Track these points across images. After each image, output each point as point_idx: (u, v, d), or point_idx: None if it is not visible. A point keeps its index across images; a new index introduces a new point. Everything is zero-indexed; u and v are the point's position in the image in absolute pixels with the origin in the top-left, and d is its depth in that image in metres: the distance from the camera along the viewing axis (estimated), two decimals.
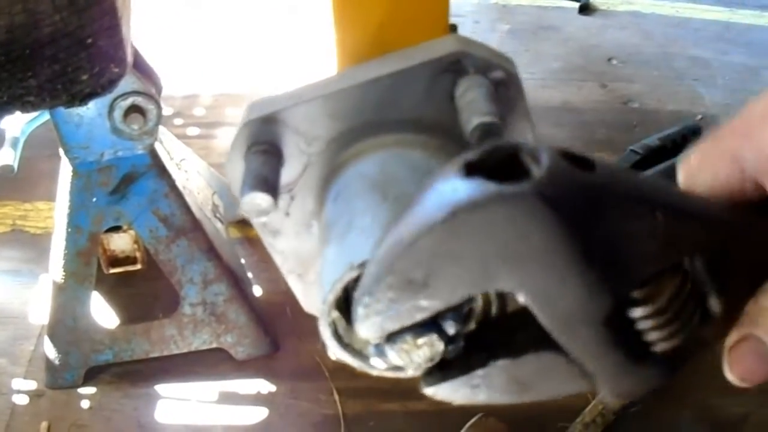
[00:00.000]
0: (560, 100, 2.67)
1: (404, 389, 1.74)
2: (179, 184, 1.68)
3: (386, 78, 0.85)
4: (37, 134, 1.94)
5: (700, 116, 2.52)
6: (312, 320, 1.83)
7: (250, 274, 1.91)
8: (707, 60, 2.95)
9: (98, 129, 1.55)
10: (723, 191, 0.57)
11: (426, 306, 0.59)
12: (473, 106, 0.83)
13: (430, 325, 0.64)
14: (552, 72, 2.85)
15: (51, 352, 1.78)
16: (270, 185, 0.84)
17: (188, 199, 1.69)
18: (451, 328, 0.65)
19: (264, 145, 0.89)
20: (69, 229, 1.65)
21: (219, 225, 1.87)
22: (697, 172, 0.59)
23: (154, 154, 1.62)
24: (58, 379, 1.82)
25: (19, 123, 1.88)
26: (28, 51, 1.14)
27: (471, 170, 0.54)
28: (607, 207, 0.52)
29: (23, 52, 1.14)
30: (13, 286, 2.04)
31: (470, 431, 1.60)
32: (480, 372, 0.63)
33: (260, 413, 1.75)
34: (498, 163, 0.54)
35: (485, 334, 0.67)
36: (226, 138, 2.47)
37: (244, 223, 2.12)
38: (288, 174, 0.90)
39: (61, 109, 1.51)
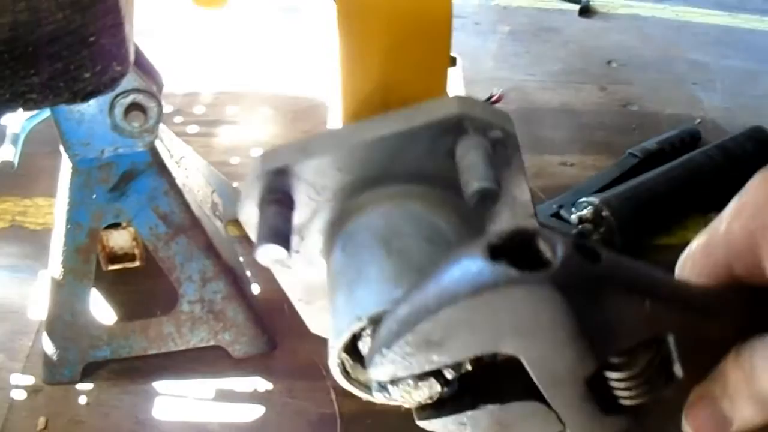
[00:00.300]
0: (559, 102, 2.68)
1: None
2: (179, 181, 1.69)
3: (391, 137, 0.91)
4: (37, 131, 1.95)
5: (698, 120, 2.52)
6: None
7: (248, 273, 1.91)
8: (707, 64, 2.96)
9: (99, 126, 1.55)
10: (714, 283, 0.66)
11: (436, 361, 0.67)
12: (472, 170, 0.88)
13: (432, 371, 0.71)
14: (551, 74, 2.86)
15: (49, 347, 1.79)
16: (283, 237, 0.89)
17: (188, 197, 1.70)
18: (449, 374, 0.72)
19: (276, 193, 0.93)
20: (68, 226, 1.66)
21: (218, 223, 1.88)
22: (693, 273, 0.68)
23: (154, 152, 1.63)
24: (56, 375, 1.82)
25: (19, 120, 1.89)
26: (30, 48, 1.15)
27: (494, 252, 0.63)
28: (606, 295, 0.62)
29: (26, 50, 1.15)
30: (11, 282, 2.05)
31: None
32: (469, 413, 0.72)
33: (257, 411, 1.75)
34: (518, 246, 0.63)
35: (477, 378, 0.74)
36: (226, 136, 2.49)
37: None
38: (299, 217, 0.95)
39: (62, 106, 1.51)
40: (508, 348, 0.65)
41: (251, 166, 0.95)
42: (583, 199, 2.00)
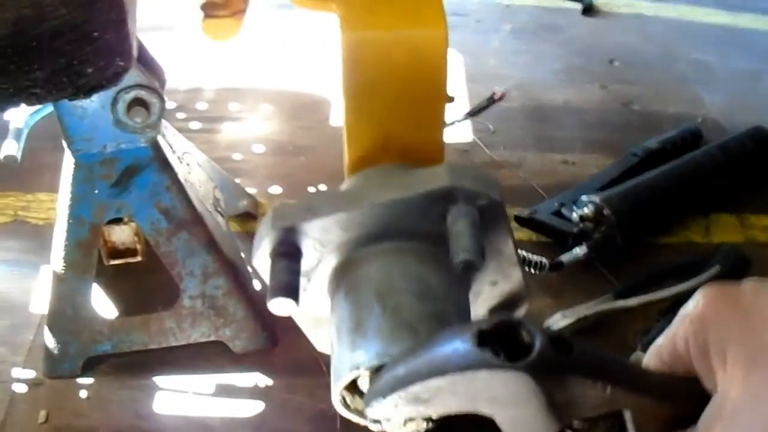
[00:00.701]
0: (561, 101, 2.68)
1: None
2: (181, 177, 1.69)
3: (389, 203, 1.05)
4: (40, 126, 1.95)
5: (700, 119, 2.53)
6: None
7: (249, 269, 1.91)
8: (709, 63, 2.96)
9: (101, 121, 1.56)
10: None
11: (422, 412, 0.82)
12: (459, 240, 1.01)
13: None
14: (553, 72, 2.86)
15: (50, 341, 1.79)
16: (292, 290, 1.03)
17: (190, 192, 1.70)
18: (434, 415, 0.86)
19: (285, 246, 1.07)
20: (70, 221, 1.66)
21: (220, 219, 1.88)
22: (656, 366, 0.83)
23: (156, 147, 1.63)
24: (57, 369, 1.82)
25: (22, 115, 1.89)
26: (34, 44, 1.16)
27: (482, 336, 0.77)
28: (573, 381, 0.76)
29: (30, 45, 1.15)
30: (13, 276, 2.06)
31: None
32: None
33: (257, 407, 1.75)
34: (503, 332, 0.78)
35: (456, 422, 0.87)
36: (228, 132, 2.49)
37: (244, 217, 2.14)
38: (306, 264, 1.08)
39: (65, 102, 1.51)
40: (484, 410, 0.78)
41: (263, 221, 1.11)
42: (585, 198, 1.99)
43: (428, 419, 0.89)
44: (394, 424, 0.88)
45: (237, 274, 1.78)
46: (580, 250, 1.94)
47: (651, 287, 1.84)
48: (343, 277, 1.11)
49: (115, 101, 1.53)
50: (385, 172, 1.27)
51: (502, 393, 0.75)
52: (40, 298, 1.92)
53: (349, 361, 0.99)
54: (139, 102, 1.54)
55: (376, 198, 1.07)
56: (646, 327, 1.78)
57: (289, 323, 1.80)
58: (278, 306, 1.03)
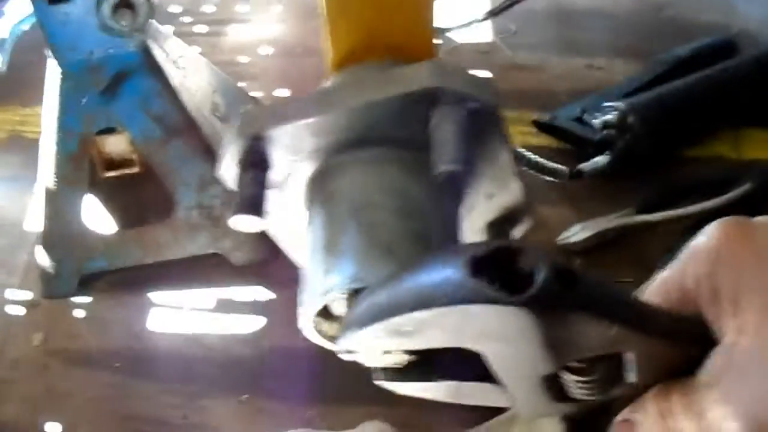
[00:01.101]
0: (589, 3, 2.56)
1: None
2: (175, 82, 1.63)
3: (364, 106, 0.95)
4: (36, 38, 1.88)
5: (735, 30, 2.40)
6: None
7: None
8: None
9: (86, 27, 1.50)
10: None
11: (406, 346, 0.74)
12: (441, 148, 0.92)
13: None
14: None
15: (44, 260, 1.75)
16: (257, 206, 0.97)
17: (184, 98, 1.64)
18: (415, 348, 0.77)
19: (254, 155, 1.00)
20: (59, 133, 1.61)
21: (218, 125, 1.81)
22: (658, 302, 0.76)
23: (146, 52, 1.57)
24: (53, 289, 1.78)
25: (6, 25, 1.84)
26: None
27: (476, 264, 0.67)
28: (575, 318, 0.67)
29: None
30: (10, 193, 2.01)
31: None
32: (427, 384, 0.81)
33: (257, 322, 1.70)
34: (500, 260, 0.68)
35: (440, 354, 0.77)
36: (235, 35, 2.43)
37: None
38: (276, 175, 1.02)
39: (47, 8, 1.46)
40: (473, 346, 0.72)
41: (230, 128, 1.04)
42: (609, 104, 1.89)
43: (408, 351, 0.79)
44: (370, 355, 0.80)
45: None
46: (601, 159, 1.83)
47: (676, 202, 1.75)
48: (317, 189, 1.05)
49: (99, 4, 1.47)
50: (366, 72, 1.18)
51: (495, 329, 0.68)
52: (35, 216, 1.86)
53: (321, 284, 0.93)
54: (124, 4, 1.48)
55: (350, 100, 0.99)
56: (670, 244, 1.69)
57: None
58: (241, 222, 0.97)
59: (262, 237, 1.71)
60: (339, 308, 0.94)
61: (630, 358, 0.72)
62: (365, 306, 0.77)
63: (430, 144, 0.94)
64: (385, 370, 0.82)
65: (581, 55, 2.32)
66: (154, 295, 1.77)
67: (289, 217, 1.11)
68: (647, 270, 1.63)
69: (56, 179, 1.65)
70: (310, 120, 0.98)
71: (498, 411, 1.42)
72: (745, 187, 1.74)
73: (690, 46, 2.20)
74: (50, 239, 1.73)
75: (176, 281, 1.78)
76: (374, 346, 0.77)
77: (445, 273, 0.69)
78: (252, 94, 2.14)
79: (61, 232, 1.71)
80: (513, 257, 0.68)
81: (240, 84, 2.14)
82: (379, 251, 0.91)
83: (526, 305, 0.64)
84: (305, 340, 1.64)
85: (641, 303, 0.76)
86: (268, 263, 1.79)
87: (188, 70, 1.80)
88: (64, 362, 1.68)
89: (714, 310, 0.71)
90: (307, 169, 1.04)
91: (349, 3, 1.23)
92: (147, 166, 1.79)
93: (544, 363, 0.70)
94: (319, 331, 0.98)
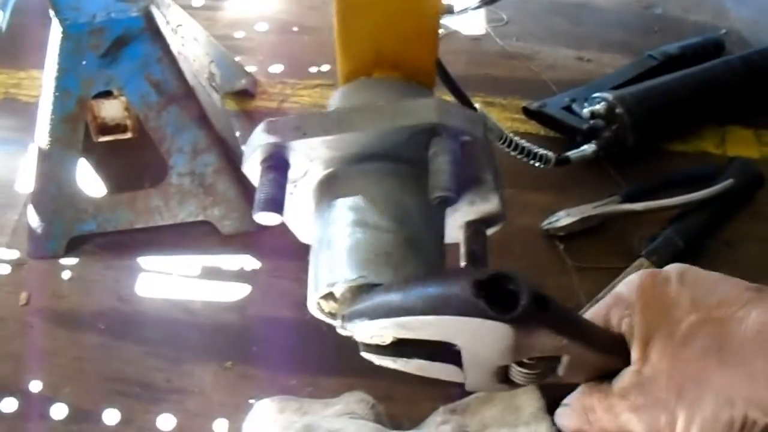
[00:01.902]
0: None
1: None
2: (174, 49, 1.63)
3: (373, 132, 1.08)
4: (32, 1, 1.89)
5: (724, 30, 2.42)
6: None
7: (243, 148, 1.85)
8: None
9: None
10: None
11: (403, 335, 0.93)
12: (437, 176, 1.03)
13: None
14: None
15: (34, 220, 1.76)
16: (278, 204, 1.06)
17: (183, 65, 1.65)
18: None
19: (274, 159, 1.09)
20: (57, 93, 1.62)
21: (215, 95, 1.82)
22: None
23: (149, 17, 1.57)
24: (41, 249, 1.78)
25: None
26: None
27: (478, 285, 0.84)
28: (540, 332, 0.87)
29: None
30: (2, 155, 2.01)
31: None
32: (403, 360, 0.99)
33: (242, 290, 1.71)
34: (495, 283, 0.85)
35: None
36: (231, 9, 2.42)
37: (241, 95, 2.08)
38: (293, 174, 1.11)
39: None
40: (457, 342, 0.91)
41: (254, 134, 1.10)
42: (597, 95, 1.92)
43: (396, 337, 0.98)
44: (364, 335, 0.98)
45: (229, 152, 1.73)
46: (588, 148, 1.86)
47: (659, 193, 1.79)
48: (326, 190, 1.14)
49: None
50: (375, 90, 1.28)
51: (482, 335, 0.86)
52: (27, 178, 1.86)
53: (326, 277, 1.03)
54: None
55: (365, 124, 1.10)
56: (652, 233, 1.72)
57: None
58: (263, 218, 1.07)
59: (250, 207, 1.74)
60: (339, 291, 1.03)
61: (565, 360, 0.93)
62: (378, 302, 0.93)
63: (429, 169, 1.06)
64: (369, 345, 1.00)
65: (572, 47, 2.34)
66: (142, 260, 1.77)
67: (299, 209, 1.21)
68: (629, 257, 1.67)
69: (50, 140, 1.65)
70: (328, 138, 1.08)
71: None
72: (728, 183, 1.77)
73: (679, 44, 2.22)
74: (41, 200, 1.73)
75: (164, 247, 1.79)
76: (376, 335, 0.96)
77: (453, 290, 0.86)
78: (247, 68, 2.16)
79: (52, 193, 1.71)
80: (504, 281, 0.85)
81: (236, 58, 2.16)
82: (378, 253, 1.02)
83: (512, 323, 0.84)
84: (289, 310, 1.67)
85: (587, 324, 0.96)
86: (256, 233, 1.80)
87: (187, 39, 1.81)
88: (48, 322, 1.69)
89: (630, 341, 0.95)
90: (319, 171, 1.14)
91: (360, 26, 1.32)
92: (140, 133, 1.80)
93: (505, 359, 0.91)
94: (320, 309, 1.08)
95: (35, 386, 1.59)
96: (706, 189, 1.76)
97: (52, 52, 1.59)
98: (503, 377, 0.97)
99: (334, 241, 1.07)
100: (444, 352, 0.96)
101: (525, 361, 0.93)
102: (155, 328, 1.67)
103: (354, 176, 1.12)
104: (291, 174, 1.13)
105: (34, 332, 1.67)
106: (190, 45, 1.82)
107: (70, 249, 1.78)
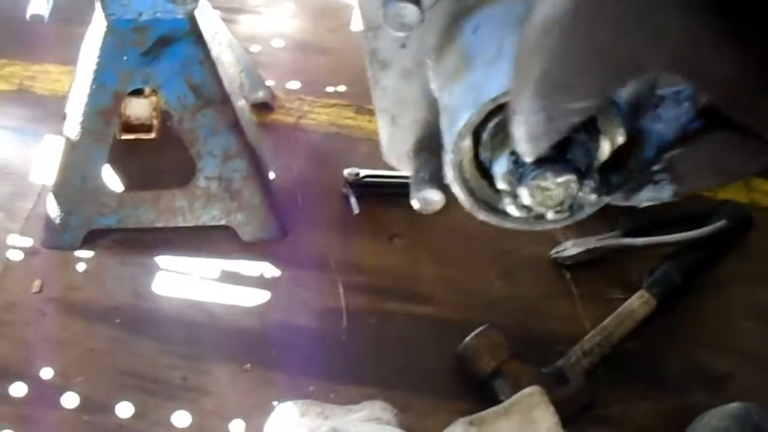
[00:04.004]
0: None
1: (409, 290, 1.76)
2: (214, 54, 1.65)
3: None
4: None
5: None
6: (323, 212, 1.82)
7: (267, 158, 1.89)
8: None
9: None
10: None
11: (577, 108, 0.60)
12: None
13: (563, 162, 0.68)
14: None
15: (53, 210, 1.77)
16: (439, 179, 0.84)
17: (221, 71, 1.67)
18: (582, 162, 0.68)
19: None
20: (93, 86, 1.63)
21: (243, 103, 1.85)
22: None
23: (193, 21, 1.60)
24: (56, 239, 1.80)
25: None
26: None
27: None
28: None
29: None
30: (15, 144, 2.02)
31: (474, 341, 1.60)
32: (657, 167, 0.67)
33: (262, 296, 1.74)
34: None
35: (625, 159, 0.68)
36: (248, 24, 2.45)
37: (261, 108, 2.09)
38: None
39: None
40: (651, 68, 0.56)
41: None
42: None
43: (579, 175, 0.70)
44: (537, 186, 0.70)
45: (257, 160, 1.75)
46: None
47: (658, 231, 1.85)
48: (470, 18, 0.90)
49: None
50: None
51: (642, 17, 0.52)
52: (41, 168, 1.88)
53: (487, 85, 0.78)
54: None
55: None
56: (651, 267, 1.79)
57: (300, 217, 1.81)
58: (399, 13, 0.84)
59: (274, 216, 1.77)
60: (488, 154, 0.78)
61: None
62: (514, 86, 0.65)
63: None
64: (602, 184, 0.71)
65: None
66: (159, 259, 1.79)
67: (402, 82, 0.99)
68: (629, 288, 1.73)
69: (81, 131, 1.66)
70: None
71: (492, 402, 1.49)
72: (721, 224, 1.85)
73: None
74: (63, 190, 1.74)
75: (182, 248, 1.81)
76: (547, 132, 0.64)
77: None
78: (266, 82, 2.17)
79: (75, 184, 1.73)
80: None
81: (259, 71, 2.16)
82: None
83: None
84: (309, 319, 1.71)
85: None
86: (276, 242, 1.82)
87: (223, 46, 1.84)
88: (62, 311, 1.71)
89: None
90: (452, 2, 0.90)
91: None
92: (163, 134, 1.82)
93: (753, 52, 0.52)
94: (461, 170, 0.81)
95: (46, 373, 1.61)
96: (701, 228, 1.84)
97: (92, 45, 1.61)
98: None
99: (495, 59, 0.81)
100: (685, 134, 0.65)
101: None
102: (172, 326, 1.70)
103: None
104: None
105: (47, 320, 1.69)
106: (225, 52, 1.84)
107: (86, 242, 1.80)
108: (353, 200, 1.82)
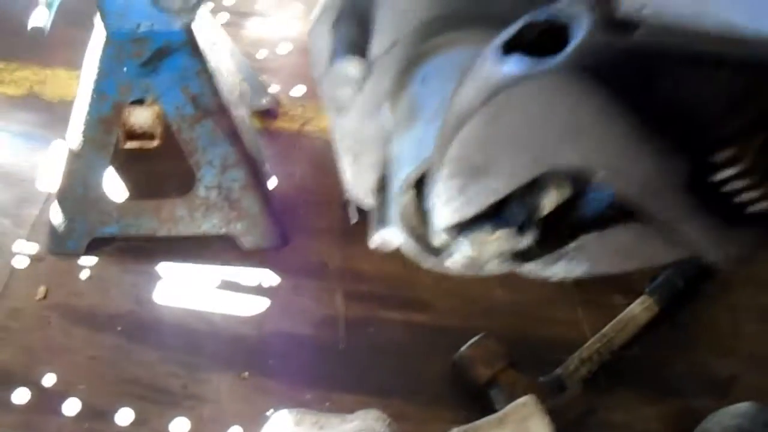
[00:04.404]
0: None
1: (408, 298, 1.76)
2: (212, 65, 1.66)
3: None
4: (63, 2, 1.92)
5: None
6: (323, 219, 1.82)
7: (267, 166, 1.89)
8: None
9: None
10: None
11: (495, 188, 0.64)
12: None
13: (500, 218, 0.71)
14: None
15: (57, 217, 1.78)
16: (362, 53, 0.85)
17: (219, 81, 1.68)
18: (520, 218, 0.71)
19: (355, 16, 0.88)
20: (94, 96, 1.64)
21: (243, 112, 1.85)
22: None
23: (190, 32, 1.60)
24: (61, 246, 1.82)
25: None
26: None
27: (511, 49, 0.55)
28: (659, 72, 0.50)
29: None
30: (23, 150, 2.04)
31: (470, 350, 1.60)
32: (573, 245, 0.70)
33: (261, 304, 1.75)
34: (540, 39, 0.54)
35: (562, 217, 0.70)
36: (255, 29, 2.45)
37: (264, 115, 2.10)
38: (375, 48, 0.90)
39: None
40: (566, 159, 0.58)
41: None
42: None
43: (517, 229, 0.71)
44: (476, 238, 0.72)
45: (256, 169, 1.76)
46: None
47: None
48: (421, 66, 0.93)
49: None
50: None
51: (562, 118, 0.54)
52: (48, 174, 1.90)
53: (427, 142, 0.79)
54: None
55: None
56: (653, 273, 1.77)
57: (301, 225, 1.81)
58: (345, 70, 0.87)
59: (273, 225, 1.78)
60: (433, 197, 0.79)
61: None
62: (431, 160, 0.68)
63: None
64: (524, 253, 0.74)
65: None
66: (161, 267, 1.81)
67: (362, 123, 1.02)
68: (631, 294, 1.72)
69: (83, 141, 1.68)
70: None
71: (488, 412, 1.49)
72: None
73: None
74: (66, 198, 1.76)
75: (183, 257, 1.83)
76: (469, 205, 0.67)
77: (477, 73, 0.58)
78: (269, 88, 2.18)
79: (78, 193, 1.74)
80: (558, 28, 0.54)
81: (261, 78, 2.18)
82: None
83: (570, 66, 0.50)
84: (307, 327, 1.71)
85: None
86: (276, 251, 1.83)
87: (222, 56, 1.84)
88: (65, 318, 1.72)
89: None
90: (408, 49, 0.93)
91: None
92: (166, 142, 1.83)
93: (662, 156, 0.54)
94: (413, 230, 0.86)
95: (49, 380, 1.63)
96: None
97: (93, 54, 1.62)
98: (724, 209, 0.59)
99: (437, 113, 0.80)
100: (604, 216, 0.67)
101: (722, 157, 0.55)
102: (173, 334, 1.71)
103: (460, 42, 0.90)
104: (373, 47, 0.91)
105: (51, 327, 1.71)
106: (224, 62, 1.85)
107: (90, 249, 1.82)
108: (353, 208, 1.82)
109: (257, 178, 1.76)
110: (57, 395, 1.61)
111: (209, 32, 1.82)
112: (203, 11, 1.76)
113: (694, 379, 1.69)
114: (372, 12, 0.90)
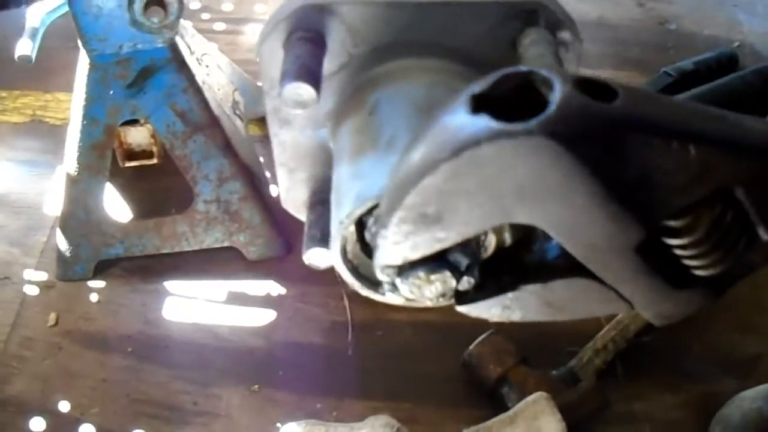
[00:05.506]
0: (596, 16, 2.60)
1: None
2: (199, 79, 1.65)
3: (456, 4, 0.83)
4: (60, 25, 1.91)
5: (737, 43, 2.45)
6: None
7: (267, 174, 1.88)
8: None
9: (117, 21, 1.51)
10: None
11: (443, 237, 0.63)
12: (543, 61, 0.83)
13: (441, 261, 0.69)
14: None
15: (62, 244, 1.78)
16: (314, 77, 0.83)
17: (207, 95, 1.67)
18: (462, 261, 0.70)
19: (309, 33, 0.86)
20: (84, 122, 1.63)
21: (238, 122, 1.85)
22: None
23: (173, 49, 1.59)
24: (69, 272, 1.82)
25: (39, 13, 1.85)
26: None
27: (479, 103, 0.54)
28: (629, 142, 0.50)
29: None
30: (29, 177, 2.04)
31: (478, 348, 1.58)
32: (510, 295, 0.68)
33: (268, 315, 1.75)
34: (510, 94, 0.54)
35: (507, 260, 0.70)
36: (253, 34, 2.43)
37: (264, 121, 2.09)
38: (328, 63, 0.89)
39: (80, 0, 1.47)
40: (521, 218, 0.57)
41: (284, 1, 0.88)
42: None
43: (457, 273, 0.70)
44: (413, 282, 0.71)
45: (253, 179, 1.76)
46: None
47: None
48: (372, 92, 0.92)
49: (131, 0, 1.48)
50: None
51: (526, 179, 0.52)
52: (54, 199, 1.90)
53: (377, 179, 0.79)
54: (156, 1, 1.50)
55: None
56: None
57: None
58: (295, 93, 0.83)
59: (277, 233, 1.77)
60: (372, 231, 0.81)
61: (741, 195, 0.54)
62: (382, 203, 0.67)
63: (522, 59, 0.85)
64: (464, 294, 0.73)
65: (588, 66, 2.34)
66: (169, 284, 1.81)
67: (301, 137, 1.02)
68: None
69: (78, 167, 1.67)
70: (394, 2, 0.86)
71: (500, 410, 1.47)
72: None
73: (694, 59, 2.24)
74: (69, 224, 1.76)
75: (190, 272, 1.82)
76: (413, 250, 0.66)
77: (444, 126, 0.57)
78: None
79: (80, 218, 1.74)
80: (530, 86, 0.54)
81: (258, 84, 2.13)
82: None
83: (543, 130, 0.50)
84: (315, 335, 1.70)
85: (729, 114, 0.58)
86: (281, 260, 1.83)
87: (211, 68, 1.84)
88: (77, 343, 1.72)
89: None
90: (358, 71, 0.93)
91: None
92: (165, 159, 1.83)
93: (620, 223, 0.53)
94: (355, 269, 0.87)
95: (63, 406, 1.63)
96: None
97: (80, 80, 1.61)
98: (672, 272, 0.59)
99: (386, 149, 0.84)
100: (561, 261, 0.63)
101: (675, 224, 0.55)
102: (182, 351, 1.71)
103: (414, 73, 0.89)
104: (326, 63, 0.90)
105: (63, 353, 1.71)
106: (214, 74, 1.84)
107: (98, 272, 1.82)
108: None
109: (256, 188, 1.76)
110: (71, 421, 1.61)
111: (198, 43, 1.81)
112: (187, 24, 1.75)
113: (715, 361, 1.66)
114: (326, 27, 0.89)
